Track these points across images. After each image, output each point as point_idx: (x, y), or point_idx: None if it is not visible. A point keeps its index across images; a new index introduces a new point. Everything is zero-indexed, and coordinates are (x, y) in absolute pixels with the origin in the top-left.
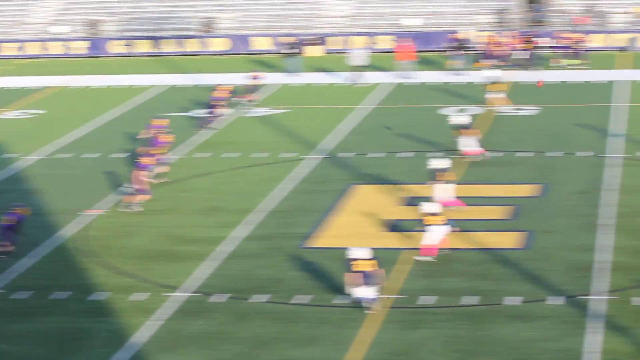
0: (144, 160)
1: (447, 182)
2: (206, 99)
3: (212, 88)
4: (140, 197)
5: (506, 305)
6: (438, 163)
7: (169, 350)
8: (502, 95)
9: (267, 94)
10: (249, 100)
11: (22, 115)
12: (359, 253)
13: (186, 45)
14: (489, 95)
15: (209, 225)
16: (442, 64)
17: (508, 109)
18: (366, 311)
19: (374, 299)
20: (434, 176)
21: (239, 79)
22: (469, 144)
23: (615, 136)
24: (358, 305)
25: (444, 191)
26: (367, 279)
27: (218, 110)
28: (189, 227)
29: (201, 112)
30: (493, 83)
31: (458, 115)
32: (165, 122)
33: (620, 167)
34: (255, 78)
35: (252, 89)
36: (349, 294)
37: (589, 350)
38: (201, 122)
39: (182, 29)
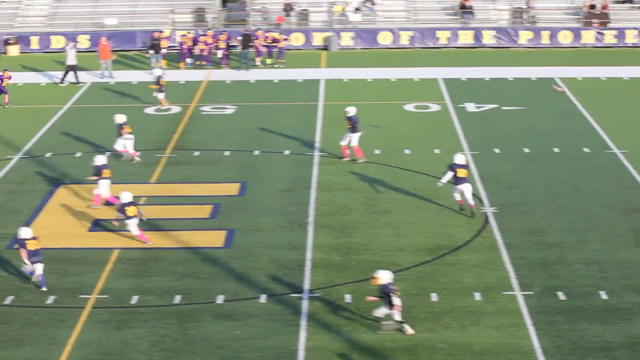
0: None
1: (105, 178)
2: None
3: None
4: None
5: (213, 304)
6: (98, 159)
7: None
8: (162, 95)
9: None
10: None
11: None
12: (25, 233)
13: None
14: (156, 94)
15: None
16: (142, 63)
17: (167, 108)
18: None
19: (39, 275)
20: (97, 172)
21: None
22: (124, 143)
23: (314, 134)
24: (66, 305)
25: (104, 187)
26: (34, 257)
27: None
28: None
29: None
30: (157, 83)
31: (117, 115)
32: None
33: (319, 165)
34: (2, 79)
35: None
36: (26, 271)
37: (295, 347)
38: None
39: None
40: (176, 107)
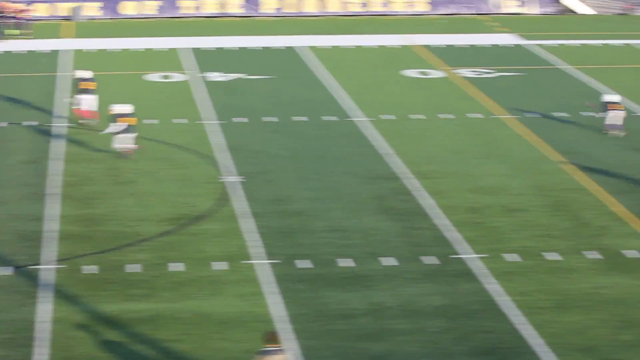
0: None
1: None
2: None
3: None
4: None
5: None
6: None
7: None
8: None
9: None
10: None
11: None
12: None
13: None
14: None
15: None
16: None
17: None
18: None
19: None
20: None
21: None
22: None
23: (59, 105)
24: None
25: None
26: None
27: None
28: None
29: None
30: None
31: None
32: None
33: (65, 136)
34: None
35: None
36: None
37: (40, 320)
38: None
39: None
40: None
